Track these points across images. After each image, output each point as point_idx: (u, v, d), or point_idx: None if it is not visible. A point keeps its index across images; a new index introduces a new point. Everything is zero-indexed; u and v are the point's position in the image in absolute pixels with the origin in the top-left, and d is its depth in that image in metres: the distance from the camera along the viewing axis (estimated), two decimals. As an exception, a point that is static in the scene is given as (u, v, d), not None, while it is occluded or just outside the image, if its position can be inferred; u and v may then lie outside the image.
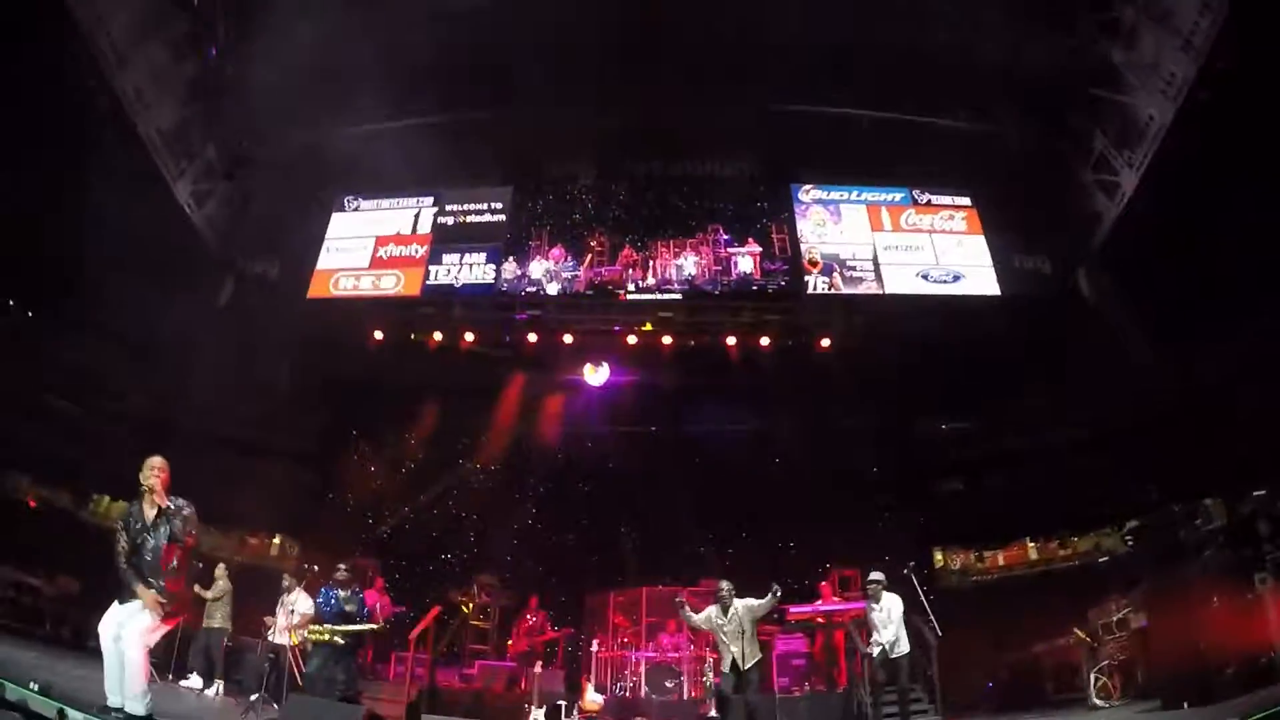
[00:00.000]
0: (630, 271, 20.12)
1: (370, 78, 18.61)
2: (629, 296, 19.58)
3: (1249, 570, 9.22)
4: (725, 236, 20.47)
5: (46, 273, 18.47)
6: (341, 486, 20.78)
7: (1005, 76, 19.09)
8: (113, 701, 6.42)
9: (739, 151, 21.36)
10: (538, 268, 20.17)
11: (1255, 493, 12.48)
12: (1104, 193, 18.82)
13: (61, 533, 17.33)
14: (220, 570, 14.36)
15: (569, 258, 20.34)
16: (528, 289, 19.90)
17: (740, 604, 10.37)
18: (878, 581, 11.05)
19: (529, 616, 16.85)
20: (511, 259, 20.26)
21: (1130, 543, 13.34)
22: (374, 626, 11.10)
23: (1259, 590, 9.06)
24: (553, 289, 19.87)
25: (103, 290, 18.85)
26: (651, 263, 20.24)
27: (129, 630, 6.59)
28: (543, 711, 13.26)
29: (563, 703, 13.79)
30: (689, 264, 20.08)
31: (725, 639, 10.22)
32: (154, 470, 6.94)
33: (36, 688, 6.04)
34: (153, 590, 6.63)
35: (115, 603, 6.80)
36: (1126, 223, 18.46)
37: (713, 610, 10.51)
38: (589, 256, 20.38)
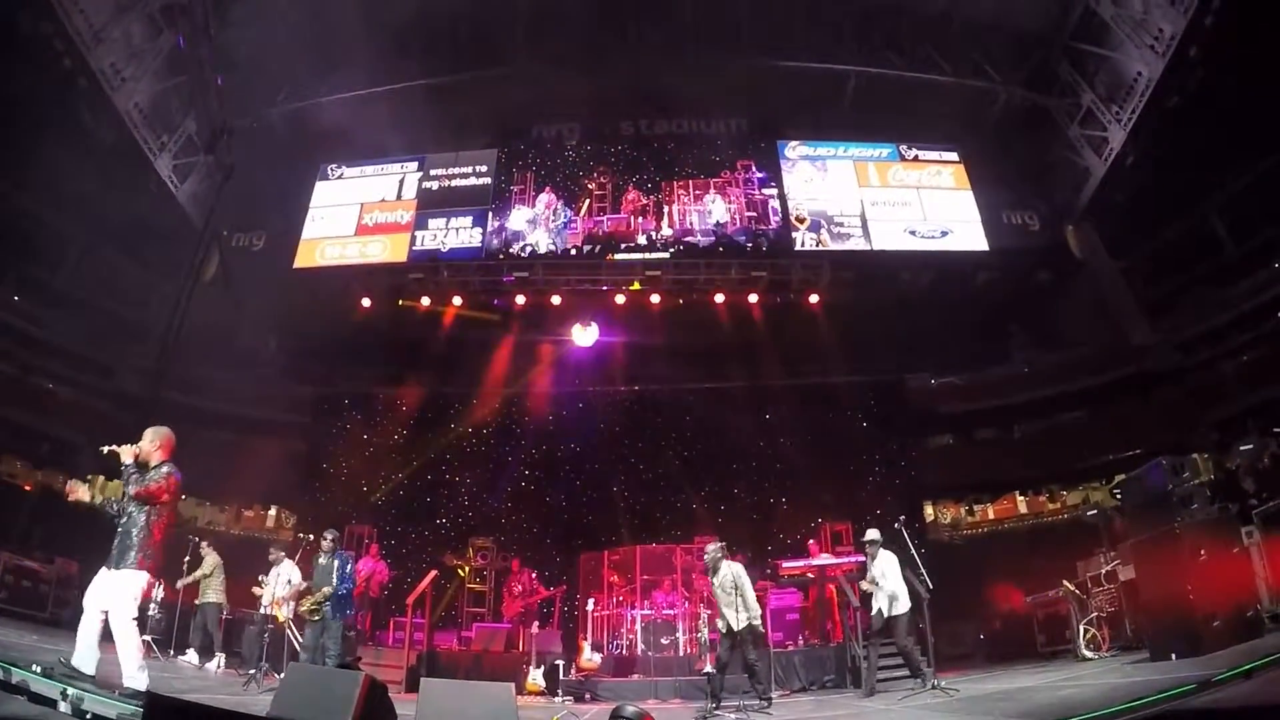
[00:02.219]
0: (639, 220, 19.85)
1: (351, 43, 18.39)
2: (616, 257, 19.49)
3: (1235, 523, 9.34)
4: (759, 175, 20.26)
5: (30, 254, 18.36)
6: (335, 455, 20.77)
7: (994, 31, 19.00)
8: (88, 670, 6.50)
9: (727, 109, 21.19)
10: (519, 216, 19.91)
11: (1242, 447, 12.69)
12: (1092, 148, 18.79)
13: (58, 515, 17.35)
14: (205, 547, 14.33)
15: (560, 204, 20.11)
16: (510, 242, 19.73)
17: (730, 567, 10.42)
18: (874, 541, 11.02)
19: (515, 580, 16.94)
20: (491, 215, 20.15)
21: (1118, 496, 13.49)
22: (328, 590, 10.87)
23: (1245, 543, 9.21)
24: (541, 240, 19.63)
25: (88, 269, 18.79)
26: (666, 209, 20.00)
27: (115, 604, 6.73)
28: (541, 671, 13.40)
29: (560, 662, 13.92)
30: (718, 208, 19.75)
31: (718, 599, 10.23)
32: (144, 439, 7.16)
33: (39, 670, 6.05)
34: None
35: (102, 570, 6.96)
36: (1114, 178, 18.46)
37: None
38: (586, 202, 20.13)
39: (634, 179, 20.44)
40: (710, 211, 19.80)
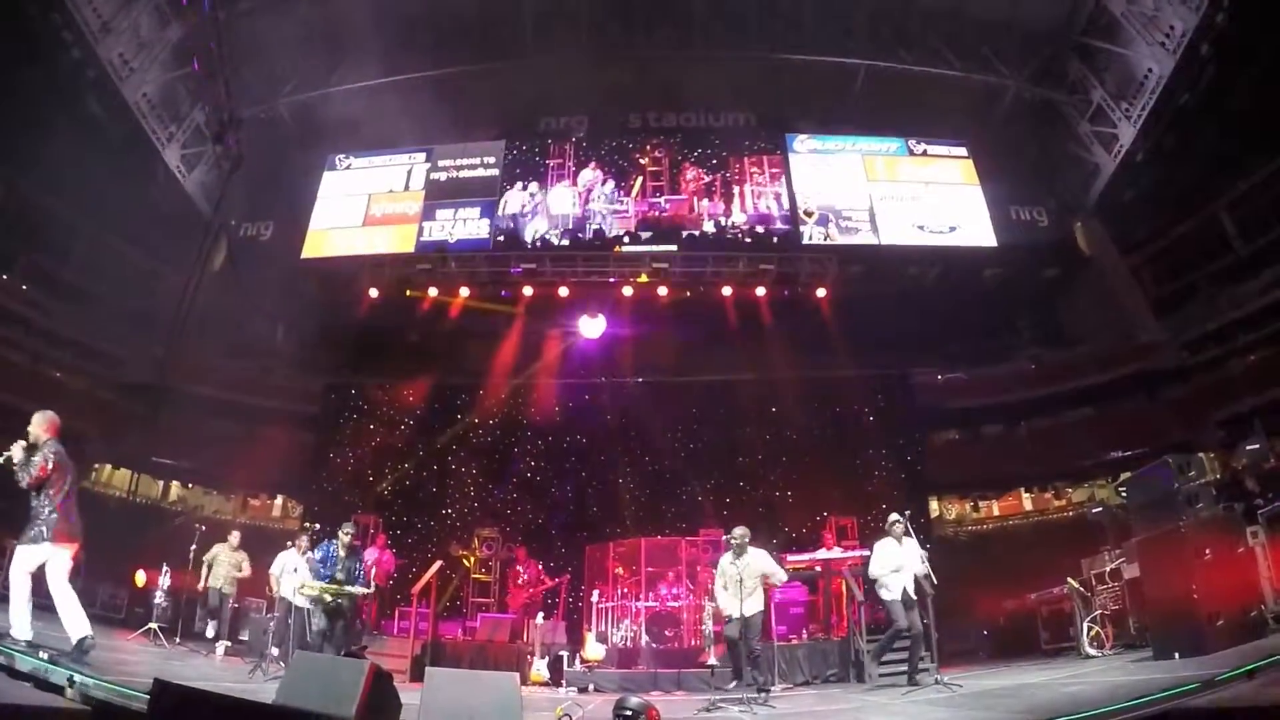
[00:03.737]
0: (705, 203, 19.51)
1: (359, 34, 18.38)
2: (622, 249, 19.48)
3: (1241, 523, 9.31)
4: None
5: (39, 244, 18.44)
6: (341, 445, 20.79)
7: (1003, 27, 18.96)
8: (21, 634, 7.24)
9: (735, 102, 21.15)
10: (563, 197, 19.63)
11: (1248, 447, 12.62)
12: (1101, 145, 18.76)
13: (65, 504, 17.40)
14: (236, 537, 14.35)
15: (609, 180, 19.91)
16: (538, 230, 19.67)
17: (755, 552, 10.42)
18: (898, 521, 10.70)
19: (520, 569, 16.93)
20: (517, 186, 20.09)
21: (1124, 494, 13.45)
22: (365, 590, 11.01)
23: (1250, 543, 9.17)
24: (540, 227, 19.51)
25: (96, 259, 18.81)
26: (737, 189, 19.79)
27: (51, 572, 7.63)
28: (545, 662, 13.42)
29: (565, 653, 13.95)
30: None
31: (732, 585, 10.18)
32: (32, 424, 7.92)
33: (46, 658, 6.11)
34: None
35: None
36: (1124, 175, 18.44)
37: (726, 556, 10.45)
38: (639, 180, 19.87)
39: (694, 154, 20.19)
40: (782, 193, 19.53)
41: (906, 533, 10.61)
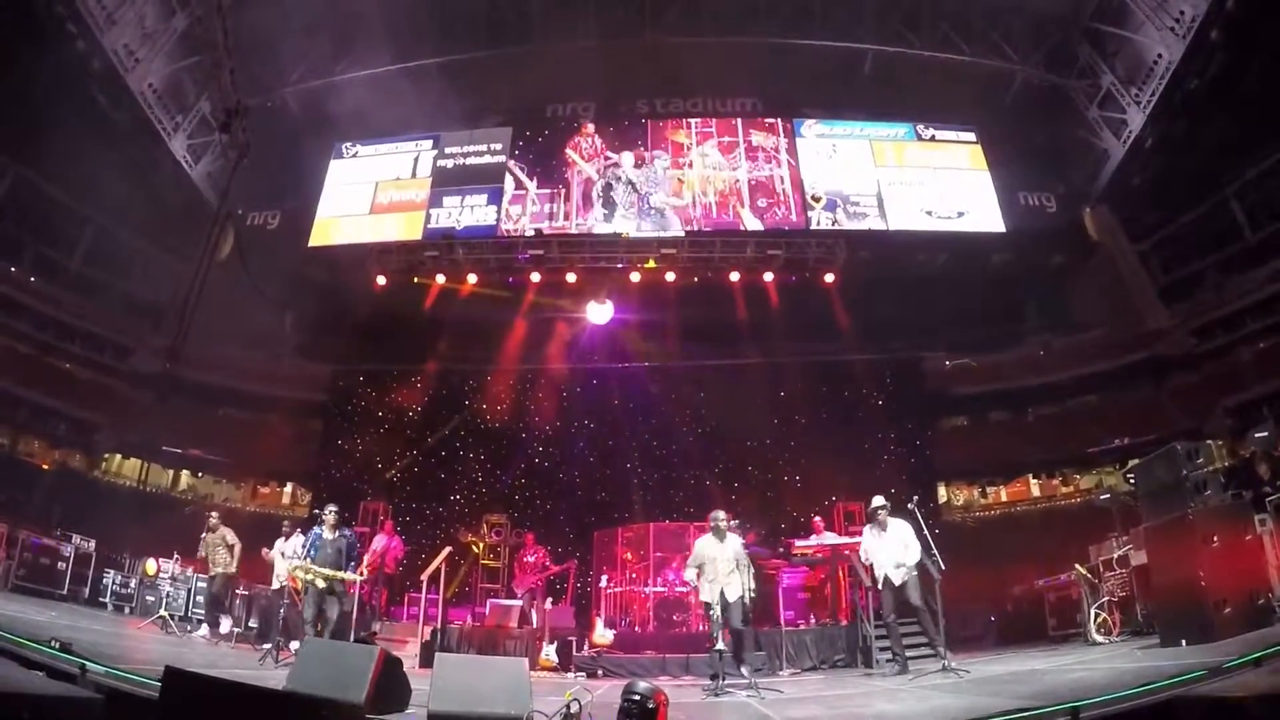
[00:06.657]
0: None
1: (366, 22, 18.34)
2: (630, 235, 19.47)
3: (1249, 511, 9.28)
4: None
5: (46, 236, 18.50)
6: (349, 432, 20.85)
7: (1013, 11, 18.86)
8: None
9: (744, 88, 21.06)
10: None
11: (1257, 434, 12.56)
12: (1110, 131, 18.68)
13: (76, 493, 17.50)
14: (215, 519, 14.24)
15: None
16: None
17: (734, 538, 10.40)
18: (882, 507, 10.70)
19: (527, 554, 16.95)
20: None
21: (1131, 481, 13.42)
22: (351, 575, 10.91)
23: (1258, 531, 9.14)
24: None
25: (104, 250, 18.84)
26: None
27: None
28: (554, 647, 13.48)
29: (573, 638, 14.01)
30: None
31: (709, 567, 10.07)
32: None
33: (57, 645, 6.15)
34: None
35: None
36: (1133, 161, 18.36)
37: (706, 538, 10.35)
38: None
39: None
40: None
41: (893, 516, 10.57)
